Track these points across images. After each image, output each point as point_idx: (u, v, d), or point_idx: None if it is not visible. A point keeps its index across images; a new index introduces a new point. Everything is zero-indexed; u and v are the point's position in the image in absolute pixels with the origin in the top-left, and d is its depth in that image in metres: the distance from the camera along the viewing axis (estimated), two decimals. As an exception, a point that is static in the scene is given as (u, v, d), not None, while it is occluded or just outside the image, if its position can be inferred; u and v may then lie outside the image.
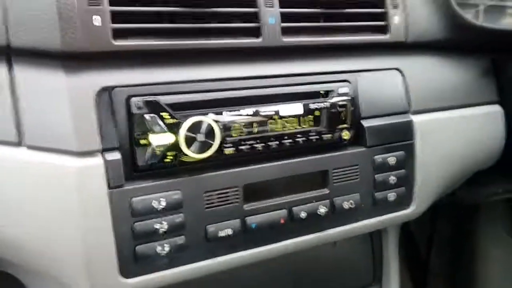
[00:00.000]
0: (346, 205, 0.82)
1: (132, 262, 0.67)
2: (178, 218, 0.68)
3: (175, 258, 0.70)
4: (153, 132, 0.65)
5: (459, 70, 0.97)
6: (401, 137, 0.87)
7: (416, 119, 0.88)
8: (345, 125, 0.80)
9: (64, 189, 0.62)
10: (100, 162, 0.63)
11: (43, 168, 0.62)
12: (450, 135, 0.94)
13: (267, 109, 0.73)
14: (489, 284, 1.45)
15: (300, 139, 0.77)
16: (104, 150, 0.64)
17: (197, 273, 0.73)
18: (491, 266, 1.44)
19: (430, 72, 0.93)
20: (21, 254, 0.67)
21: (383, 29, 0.85)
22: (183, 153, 0.67)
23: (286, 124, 0.75)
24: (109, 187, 0.64)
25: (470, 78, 0.99)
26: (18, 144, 0.63)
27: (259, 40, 0.74)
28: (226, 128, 0.70)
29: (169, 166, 0.68)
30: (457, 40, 0.94)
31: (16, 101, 0.63)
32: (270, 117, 0.74)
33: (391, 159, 0.85)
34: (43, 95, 0.63)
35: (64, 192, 0.62)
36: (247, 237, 0.75)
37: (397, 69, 0.88)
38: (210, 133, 0.67)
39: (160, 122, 0.65)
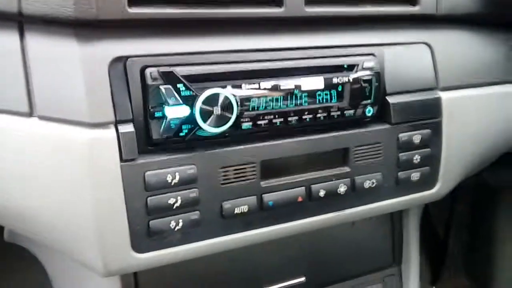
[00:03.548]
0: (367, 184, 0.79)
1: (144, 237, 0.66)
2: (193, 193, 0.67)
3: (188, 234, 0.68)
4: (168, 104, 0.63)
5: (491, 46, 0.93)
6: (428, 114, 0.83)
7: (444, 96, 0.84)
8: (369, 101, 0.77)
9: (76, 161, 0.61)
10: (113, 134, 0.62)
11: (55, 139, 0.61)
12: (479, 113, 0.90)
13: (287, 83, 0.70)
14: (507, 268, 1.42)
15: (321, 115, 0.74)
16: (118, 122, 0.62)
17: (211, 250, 0.71)
18: (510, 250, 1.41)
19: (461, 47, 0.88)
20: (34, 227, 0.66)
21: (413, 1, 0.80)
22: (199, 126, 0.65)
23: (306, 98, 0.72)
24: (122, 160, 0.62)
25: (502, 54, 0.94)
26: (30, 114, 0.62)
27: (281, 10, 0.70)
28: (244, 102, 0.67)
29: (184, 140, 0.66)
30: (490, 15, 0.89)
31: (27, 70, 0.61)
32: (290, 91, 0.71)
33: (417, 137, 0.82)
34: (55, 64, 0.61)
35: (76, 165, 0.61)
36: (264, 214, 0.73)
37: (425, 43, 0.84)
38: (227, 106, 0.65)
39: (176, 94, 0.63)
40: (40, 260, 0.92)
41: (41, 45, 0.61)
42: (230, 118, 0.66)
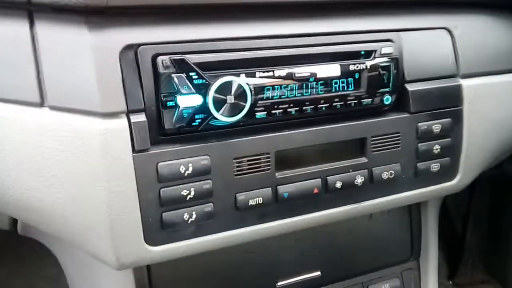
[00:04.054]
0: (385, 176, 0.78)
1: (158, 229, 0.65)
2: (206, 184, 0.66)
3: (202, 226, 0.67)
4: (181, 93, 0.62)
5: (513, 31, 0.89)
6: (448, 102, 0.81)
7: (465, 83, 0.82)
8: (387, 89, 0.75)
9: (87, 152, 0.60)
10: (125, 124, 0.60)
11: (66, 129, 0.60)
12: (502, 101, 0.87)
13: (302, 70, 0.69)
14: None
15: (337, 104, 0.72)
16: (130, 112, 0.61)
17: (225, 243, 0.70)
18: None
19: (482, 32, 0.86)
20: (46, 220, 0.66)
21: (431, -16, 0.78)
22: (212, 116, 0.63)
23: (322, 87, 0.70)
24: (134, 150, 0.61)
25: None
26: (41, 104, 0.61)
27: (296, -6, 0.68)
28: (258, 90, 0.66)
29: (197, 130, 0.65)
30: (512, -3, 0.86)
31: (38, 60, 0.60)
32: (305, 79, 0.69)
33: (436, 127, 0.80)
34: (66, 53, 0.60)
35: (87, 155, 0.60)
36: (279, 206, 0.72)
37: (445, 28, 0.82)
38: (241, 95, 0.64)
39: (188, 83, 0.62)
40: (53, 253, 0.92)
41: (51, 33, 0.60)
42: (244, 107, 0.64)
